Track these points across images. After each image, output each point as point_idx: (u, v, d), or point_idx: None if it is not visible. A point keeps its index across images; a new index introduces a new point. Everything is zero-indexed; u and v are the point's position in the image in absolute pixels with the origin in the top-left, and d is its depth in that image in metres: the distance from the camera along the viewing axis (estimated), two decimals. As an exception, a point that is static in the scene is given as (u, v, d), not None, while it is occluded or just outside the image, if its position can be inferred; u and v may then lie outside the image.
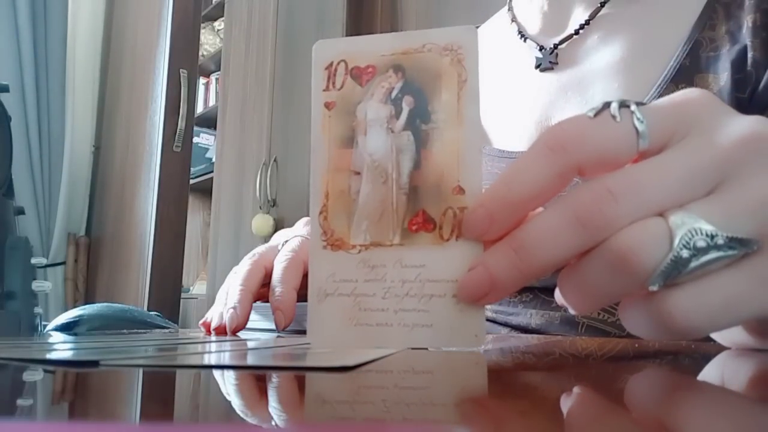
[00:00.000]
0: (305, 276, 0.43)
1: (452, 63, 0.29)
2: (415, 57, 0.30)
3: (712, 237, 0.22)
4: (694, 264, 0.22)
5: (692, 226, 0.22)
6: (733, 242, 0.22)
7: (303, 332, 0.30)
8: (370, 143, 0.30)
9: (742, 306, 0.22)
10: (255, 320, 0.46)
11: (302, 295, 0.42)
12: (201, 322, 0.45)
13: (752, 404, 0.17)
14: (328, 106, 0.30)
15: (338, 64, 0.31)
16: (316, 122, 0.30)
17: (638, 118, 0.24)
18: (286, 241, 0.46)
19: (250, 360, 0.26)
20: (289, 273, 0.42)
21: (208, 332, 0.43)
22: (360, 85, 0.30)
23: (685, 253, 0.22)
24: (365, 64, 0.30)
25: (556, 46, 0.55)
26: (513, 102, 0.58)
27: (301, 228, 0.49)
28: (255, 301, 0.44)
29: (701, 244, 0.22)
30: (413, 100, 0.29)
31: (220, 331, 0.42)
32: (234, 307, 0.41)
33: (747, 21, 0.46)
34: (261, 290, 0.45)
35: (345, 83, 0.30)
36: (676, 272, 0.22)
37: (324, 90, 0.31)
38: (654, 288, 0.22)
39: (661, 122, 0.24)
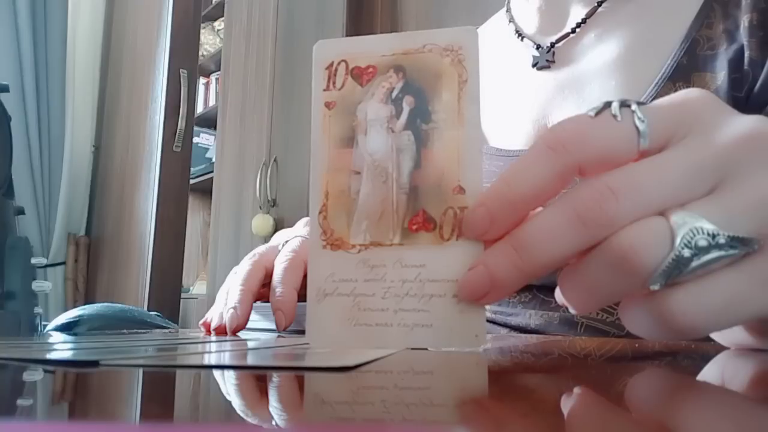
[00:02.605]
0: (306, 276, 0.43)
1: (453, 63, 0.29)
2: (416, 57, 0.30)
3: (714, 236, 0.22)
4: (695, 263, 0.22)
5: (693, 225, 0.22)
6: (734, 241, 0.22)
7: (303, 332, 0.30)
8: (370, 143, 0.30)
9: (743, 305, 0.22)
10: (255, 320, 0.46)
11: (303, 295, 0.42)
12: (201, 322, 0.45)
13: (752, 404, 0.17)
14: (328, 105, 0.30)
15: (339, 64, 0.30)
16: (316, 122, 0.30)
17: (639, 118, 0.24)
18: (287, 241, 0.46)
19: (250, 360, 0.26)
20: (290, 273, 0.42)
21: (208, 332, 0.43)
22: (360, 85, 0.30)
23: (686, 253, 0.22)
24: (366, 64, 0.30)
25: (553, 45, 0.55)
26: (510, 100, 0.58)
27: (301, 228, 0.49)
28: (255, 302, 0.44)
29: (702, 243, 0.22)
30: (414, 100, 0.29)
31: (220, 331, 0.42)
32: (234, 308, 0.41)
33: (744, 20, 0.46)
34: (261, 290, 0.45)
35: (345, 83, 0.30)
36: (677, 272, 0.22)
37: (324, 90, 0.31)
38: (655, 287, 0.22)
39: (662, 122, 0.24)
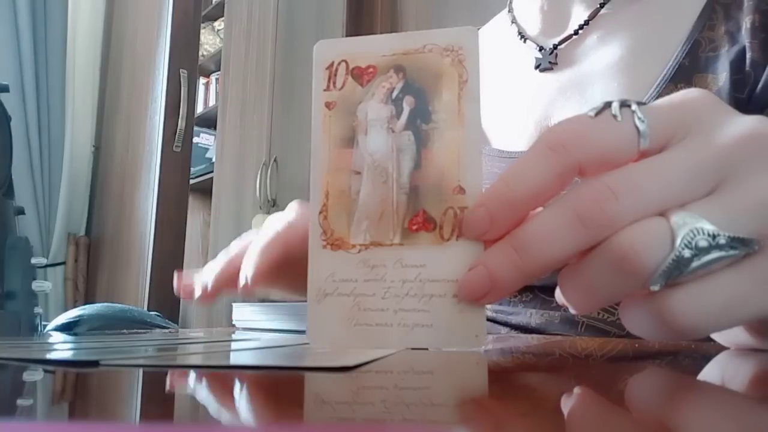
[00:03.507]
0: (289, 253, 0.39)
1: (453, 63, 0.29)
2: (416, 57, 0.30)
3: (714, 237, 0.22)
4: (695, 264, 0.22)
5: (694, 225, 0.22)
6: (734, 242, 0.22)
7: (303, 332, 0.30)
8: (370, 143, 0.30)
9: (744, 306, 0.22)
10: (262, 320, 0.46)
11: (283, 276, 0.39)
12: (178, 279, 0.43)
13: (753, 404, 0.17)
14: (328, 106, 0.30)
15: (339, 64, 0.30)
16: (316, 122, 0.30)
17: (639, 118, 0.24)
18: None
19: (250, 360, 0.26)
20: (268, 245, 0.39)
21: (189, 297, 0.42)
22: (361, 85, 0.30)
23: (686, 253, 0.22)
24: (366, 64, 0.30)
25: (555, 47, 0.55)
26: (512, 102, 0.58)
27: (290, 212, 0.45)
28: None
29: (703, 243, 0.22)
30: (414, 100, 0.29)
31: (186, 291, 0.41)
32: (208, 278, 0.40)
33: (746, 22, 0.46)
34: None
35: (346, 83, 0.30)
36: (677, 272, 0.22)
37: (324, 90, 0.31)
38: (655, 288, 0.22)
39: (662, 122, 0.24)
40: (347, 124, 0.30)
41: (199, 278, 0.41)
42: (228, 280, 0.40)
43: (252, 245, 0.39)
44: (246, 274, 0.37)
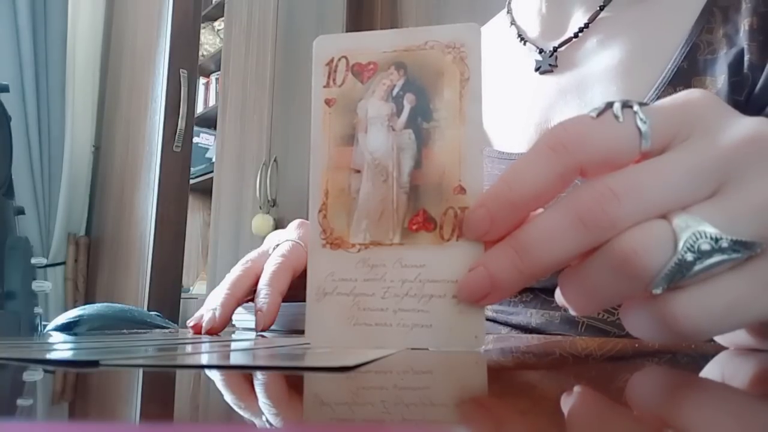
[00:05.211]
0: (293, 280, 0.43)
1: (455, 61, 0.29)
2: (417, 54, 0.29)
3: (716, 240, 0.22)
4: (698, 267, 0.22)
5: (696, 229, 0.22)
6: (737, 245, 0.22)
7: (302, 332, 0.30)
8: (370, 141, 0.29)
9: (746, 309, 0.22)
10: (250, 320, 0.46)
11: (289, 296, 0.42)
12: (189, 323, 0.45)
13: (752, 402, 0.17)
14: (328, 102, 0.30)
15: (339, 60, 0.30)
16: (316, 119, 0.30)
17: (641, 119, 0.24)
18: (278, 245, 0.46)
19: (250, 360, 0.26)
20: (277, 277, 0.42)
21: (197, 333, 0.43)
22: (361, 82, 0.30)
23: (689, 257, 0.22)
24: (366, 61, 0.30)
25: (555, 49, 0.55)
26: (512, 104, 0.58)
27: (293, 231, 0.49)
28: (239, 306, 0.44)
29: (705, 247, 0.21)
30: (415, 98, 0.29)
31: (197, 330, 0.42)
32: (214, 309, 0.42)
33: (744, 24, 0.46)
34: (251, 298, 0.45)
35: (346, 80, 0.30)
36: (679, 275, 0.22)
37: (324, 86, 0.30)
38: (657, 291, 0.22)
39: (664, 123, 0.24)
40: (347, 122, 0.30)
41: (205, 310, 0.43)
42: (233, 311, 0.43)
43: (260, 285, 0.42)
44: (260, 322, 0.40)
